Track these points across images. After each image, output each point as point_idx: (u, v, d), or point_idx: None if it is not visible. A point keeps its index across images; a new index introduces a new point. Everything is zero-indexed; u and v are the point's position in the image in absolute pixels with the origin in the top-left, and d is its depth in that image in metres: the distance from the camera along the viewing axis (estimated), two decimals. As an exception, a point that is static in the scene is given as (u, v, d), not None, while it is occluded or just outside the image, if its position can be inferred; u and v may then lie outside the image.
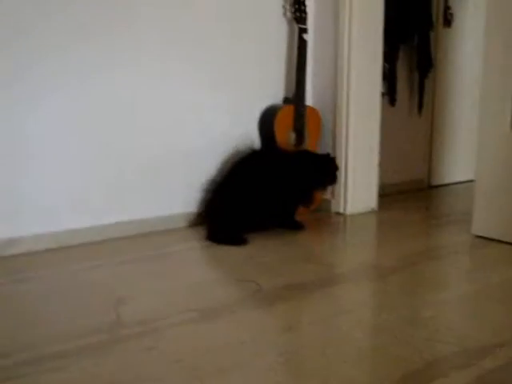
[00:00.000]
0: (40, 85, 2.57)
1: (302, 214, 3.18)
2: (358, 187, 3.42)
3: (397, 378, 1.55)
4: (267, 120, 3.26)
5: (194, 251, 2.74)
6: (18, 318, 1.96)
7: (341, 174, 3.32)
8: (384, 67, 3.59)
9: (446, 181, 4.37)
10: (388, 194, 3.80)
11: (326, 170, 3.10)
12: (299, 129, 3.28)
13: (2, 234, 2.54)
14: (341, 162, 3.34)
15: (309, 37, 3.29)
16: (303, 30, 3.24)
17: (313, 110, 3.37)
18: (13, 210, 2.57)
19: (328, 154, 3.14)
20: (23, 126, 2.56)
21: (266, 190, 2.87)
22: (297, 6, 3.24)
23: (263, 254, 2.64)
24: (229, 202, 2.86)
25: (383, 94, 3.68)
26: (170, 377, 1.56)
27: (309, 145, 3.32)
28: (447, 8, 4.07)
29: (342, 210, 3.42)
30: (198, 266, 2.59)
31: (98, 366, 1.61)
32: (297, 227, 3.03)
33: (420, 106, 4.07)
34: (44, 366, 1.61)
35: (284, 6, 3.30)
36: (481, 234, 2.88)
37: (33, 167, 2.60)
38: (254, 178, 2.88)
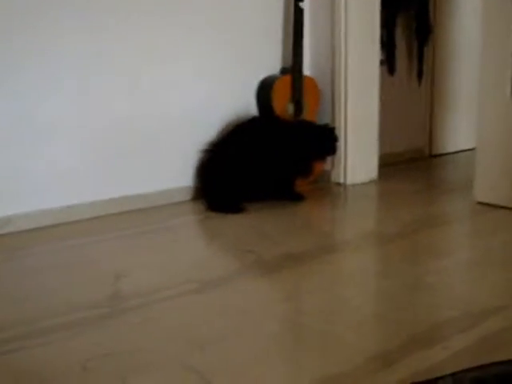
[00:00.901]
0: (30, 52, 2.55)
1: (301, 185, 3.15)
2: (357, 157, 3.39)
3: (399, 343, 1.54)
4: (264, 91, 3.22)
5: (194, 224, 2.73)
6: (19, 293, 1.95)
7: (340, 144, 3.29)
8: (382, 34, 3.54)
9: (448, 150, 4.33)
10: (388, 164, 3.77)
11: (324, 140, 3.07)
12: (297, 99, 3.24)
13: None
14: (340, 132, 3.30)
15: (305, 5, 3.24)
16: (299, -1, 3.19)
17: (311, 79, 3.33)
18: (9, 187, 2.55)
19: (327, 125, 3.11)
20: (21, 104, 2.53)
21: (264, 159, 2.85)
22: (292, -26, 3.18)
23: (263, 224, 2.62)
24: (226, 170, 2.84)
25: (382, 62, 3.63)
26: (170, 346, 1.55)
27: (307, 115, 3.28)
28: (445, -27, 4.01)
29: (342, 181, 3.39)
30: (198, 239, 2.58)
31: (98, 338, 1.60)
32: (296, 198, 3.01)
33: (420, 74, 4.02)
34: (44, 338, 1.61)
35: (279, -26, 3.25)
36: (482, 200, 2.85)
37: (29, 144, 2.58)
38: (251, 146, 2.86)
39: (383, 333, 1.63)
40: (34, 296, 1.91)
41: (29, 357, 1.52)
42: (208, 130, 3.06)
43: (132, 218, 2.77)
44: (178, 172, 3.01)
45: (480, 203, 2.85)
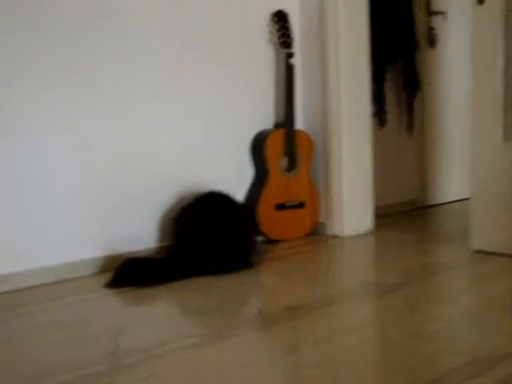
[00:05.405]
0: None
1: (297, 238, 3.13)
2: (353, 209, 3.40)
3: (406, 392, 1.51)
4: (258, 146, 3.26)
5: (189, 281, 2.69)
6: (18, 352, 1.91)
7: (335, 196, 3.33)
8: (372, 89, 3.60)
9: (441, 200, 4.35)
10: (382, 216, 3.78)
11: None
12: (291, 153, 3.27)
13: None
14: (335, 185, 3.34)
15: (296, 61, 3.31)
16: (290, 55, 3.26)
17: (304, 133, 3.37)
18: (6, 245, 2.53)
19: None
20: (22, 164, 2.55)
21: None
22: (282, 31, 3.26)
23: (262, 277, 2.60)
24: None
25: (372, 115, 3.68)
26: (174, 402, 1.51)
27: (302, 169, 3.31)
28: (431, 28, 4.12)
29: (338, 233, 3.39)
30: (195, 294, 2.53)
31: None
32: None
33: (410, 126, 4.08)
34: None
35: (270, 32, 3.32)
36: (479, 249, 2.85)
37: (26, 200, 2.58)
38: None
39: (389, 382, 1.60)
40: (33, 354, 1.88)
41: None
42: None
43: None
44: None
45: (477, 251, 2.85)
